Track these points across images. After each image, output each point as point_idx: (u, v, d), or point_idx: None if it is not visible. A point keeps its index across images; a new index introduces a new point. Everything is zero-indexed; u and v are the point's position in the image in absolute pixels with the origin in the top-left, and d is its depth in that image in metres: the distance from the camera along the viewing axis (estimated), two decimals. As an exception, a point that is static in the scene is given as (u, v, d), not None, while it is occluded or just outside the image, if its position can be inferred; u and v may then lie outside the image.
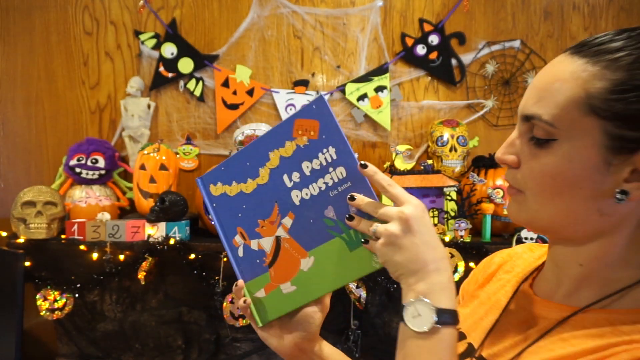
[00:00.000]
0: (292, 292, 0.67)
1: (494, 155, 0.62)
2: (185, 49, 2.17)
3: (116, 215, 1.99)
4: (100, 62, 2.20)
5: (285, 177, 0.66)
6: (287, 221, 0.67)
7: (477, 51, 2.23)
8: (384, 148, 2.25)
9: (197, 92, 2.18)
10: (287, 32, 2.21)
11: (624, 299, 0.53)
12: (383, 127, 2.22)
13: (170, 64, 2.17)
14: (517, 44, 2.23)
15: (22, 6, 2.18)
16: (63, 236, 1.83)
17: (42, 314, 1.77)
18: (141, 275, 1.72)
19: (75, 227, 1.81)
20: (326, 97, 2.20)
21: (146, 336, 1.89)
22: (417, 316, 0.55)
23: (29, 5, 2.18)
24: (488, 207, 1.83)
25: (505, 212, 1.84)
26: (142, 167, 1.96)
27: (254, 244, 0.69)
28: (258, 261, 0.69)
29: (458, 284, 0.82)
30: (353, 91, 2.20)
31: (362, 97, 2.20)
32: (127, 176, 2.20)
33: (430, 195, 1.91)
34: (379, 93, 2.20)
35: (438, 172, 1.92)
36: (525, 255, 0.73)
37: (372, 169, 0.61)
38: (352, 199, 0.61)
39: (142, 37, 2.17)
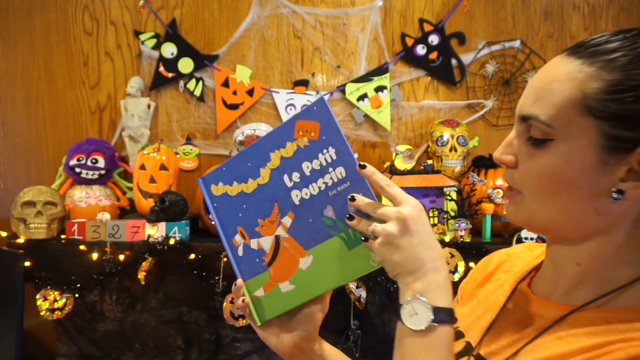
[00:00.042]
0: (290, 291, 0.67)
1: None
2: (185, 49, 2.17)
3: (116, 215, 1.99)
4: (100, 62, 2.20)
5: (286, 177, 0.67)
6: (287, 220, 0.67)
7: (477, 51, 2.23)
8: (384, 148, 2.25)
9: (197, 92, 2.18)
10: (287, 32, 2.21)
11: (621, 298, 0.54)
12: (383, 127, 2.22)
13: (170, 64, 2.17)
14: (517, 44, 2.23)
15: (22, 6, 2.18)
16: (63, 236, 1.83)
17: (42, 314, 1.77)
18: (141, 275, 1.72)
19: (75, 227, 1.81)
20: (326, 97, 2.20)
21: (146, 336, 1.89)
22: (414, 315, 0.56)
23: (29, 5, 2.18)
24: (488, 207, 1.83)
25: (505, 212, 1.84)
26: (142, 167, 1.96)
27: (253, 243, 0.70)
28: (257, 260, 0.70)
29: (458, 284, 0.83)
30: (353, 91, 2.20)
31: (362, 97, 2.20)
32: (127, 176, 2.20)
33: (430, 195, 1.91)
34: (379, 93, 2.20)
35: (438, 172, 1.92)
36: (523, 254, 0.74)
37: (370, 169, 0.62)
38: (353, 199, 0.62)
39: (142, 37, 2.17)
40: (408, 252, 0.57)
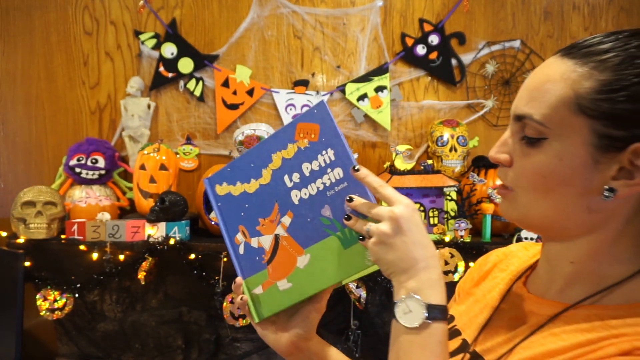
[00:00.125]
0: (288, 289, 0.68)
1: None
2: (185, 49, 2.17)
3: (116, 215, 1.99)
4: (100, 62, 2.20)
5: (286, 178, 0.69)
6: (286, 220, 0.69)
7: (477, 51, 2.23)
8: (384, 148, 2.25)
9: (197, 92, 2.18)
10: (287, 32, 2.21)
11: (614, 295, 0.55)
12: (383, 127, 2.22)
13: (170, 64, 2.17)
14: (517, 44, 2.23)
15: (22, 6, 2.18)
16: (63, 236, 1.83)
17: (42, 314, 1.77)
18: (141, 275, 1.72)
19: (75, 227, 1.81)
20: (326, 97, 2.20)
21: (146, 336, 1.89)
22: (408, 312, 0.57)
23: (29, 5, 2.18)
24: (488, 207, 1.83)
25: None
26: (142, 167, 1.96)
27: (254, 242, 0.72)
28: (257, 258, 0.71)
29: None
30: (353, 91, 2.20)
31: (362, 97, 2.20)
32: (127, 176, 2.20)
33: (430, 195, 1.91)
34: (379, 93, 2.20)
35: (438, 172, 1.92)
36: (519, 253, 0.75)
37: (363, 172, 0.63)
38: (350, 200, 0.63)
39: (142, 37, 2.17)
40: (401, 251, 0.58)
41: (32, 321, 2.05)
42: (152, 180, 1.96)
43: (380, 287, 1.79)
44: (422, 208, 1.91)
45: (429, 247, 0.60)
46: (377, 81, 2.20)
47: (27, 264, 1.77)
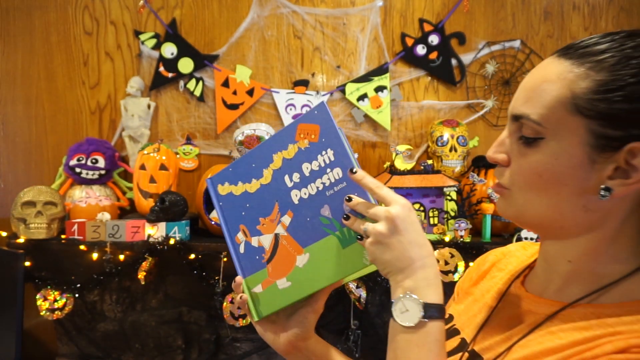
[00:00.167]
0: (287, 288, 0.69)
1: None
2: (185, 49, 2.17)
3: (116, 215, 2.00)
4: (100, 62, 2.20)
5: (287, 178, 0.69)
6: (286, 219, 0.70)
7: (477, 51, 2.23)
8: (384, 148, 2.25)
9: (197, 92, 2.18)
10: (287, 32, 2.21)
11: (611, 293, 0.55)
12: (383, 127, 2.22)
13: (170, 64, 2.17)
14: (517, 44, 2.23)
15: (22, 6, 2.18)
16: (63, 236, 1.83)
17: (42, 314, 1.77)
18: (141, 275, 1.72)
19: (75, 227, 1.81)
20: (326, 97, 2.20)
21: (146, 336, 1.89)
22: (405, 311, 0.58)
23: (29, 5, 2.18)
24: (488, 207, 1.83)
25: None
26: (142, 167, 1.96)
27: (254, 241, 0.72)
28: (257, 257, 0.72)
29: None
30: (353, 91, 2.20)
31: (362, 97, 2.20)
32: (127, 176, 2.20)
33: (430, 195, 1.91)
34: (379, 93, 2.20)
35: (438, 172, 1.92)
36: (518, 253, 0.76)
37: (360, 174, 0.63)
38: (349, 199, 0.64)
39: (142, 37, 2.17)
40: (397, 250, 0.59)
41: (32, 321, 2.05)
42: (152, 180, 1.96)
43: (380, 287, 1.79)
44: (422, 208, 1.91)
45: (425, 247, 0.61)
46: (377, 81, 2.20)
47: (27, 264, 1.77)
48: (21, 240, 1.80)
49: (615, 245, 0.57)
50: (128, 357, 1.91)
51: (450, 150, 2.07)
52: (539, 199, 0.57)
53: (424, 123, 2.25)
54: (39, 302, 1.77)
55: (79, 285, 1.80)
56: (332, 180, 0.66)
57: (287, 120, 2.19)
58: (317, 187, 0.67)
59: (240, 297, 0.72)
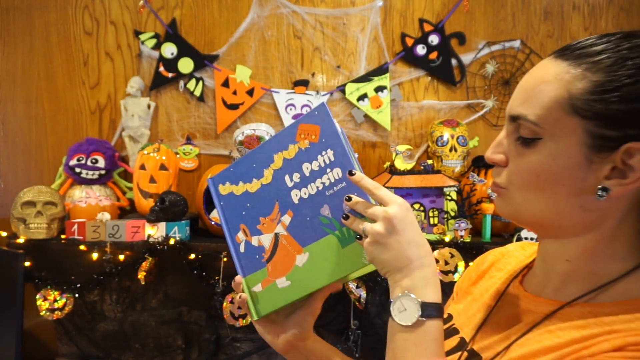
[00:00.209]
0: (286, 287, 0.70)
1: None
2: (185, 49, 2.17)
3: (116, 215, 1.99)
4: (100, 62, 2.20)
5: (287, 178, 0.70)
6: (286, 219, 0.70)
7: (477, 51, 2.23)
8: (384, 148, 2.25)
9: (197, 92, 2.18)
10: (287, 32, 2.21)
11: (608, 292, 0.56)
12: (383, 127, 2.22)
13: (170, 64, 2.17)
14: (517, 44, 2.23)
15: (22, 6, 2.18)
16: (63, 236, 1.83)
17: (42, 314, 1.77)
18: (141, 275, 1.72)
19: (75, 227, 1.81)
20: (326, 97, 2.20)
21: (146, 336, 1.89)
22: (403, 310, 0.58)
23: (29, 5, 2.18)
24: (488, 207, 1.83)
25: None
26: (142, 167, 1.96)
27: (254, 240, 0.73)
28: (257, 257, 0.73)
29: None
30: (353, 91, 2.20)
31: (362, 97, 2.20)
32: (127, 176, 2.20)
33: (430, 195, 1.91)
34: (379, 93, 2.20)
35: (438, 172, 1.92)
36: (516, 253, 0.77)
37: (358, 175, 0.64)
38: (349, 199, 0.65)
39: (142, 37, 2.17)
40: (395, 250, 0.60)
41: (32, 321, 2.05)
42: (152, 180, 1.96)
43: (380, 287, 1.79)
44: (422, 208, 1.91)
45: (423, 246, 0.61)
46: (377, 81, 2.20)
47: (27, 264, 1.77)
48: (21, 240, 1.80)
49: (613, 244, 0.57)
50: (128, 357, 1.91)
51: (450, 150, 2.07)
52: (537, 199, 0.58)
53: (424, 123, 2.25)
54: (39, 302, 1.77)
55: (79, 285, 1.80)
56: (332, 180, 0.67)
57: (287, 120, 2.19)
58: (317, 187, 0.68)
59: (240, 297, 0.72)
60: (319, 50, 2.22)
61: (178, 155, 2.18)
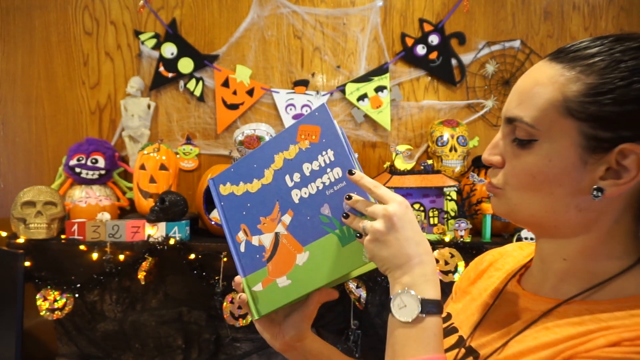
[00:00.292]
0: (287, 286, 0.70)
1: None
2: (185, 49, 2.17)
3: (116, 215, 2.00)
4: (100, 62, 2.20)
5: (287, 178, 0.71)
6: (287, 218, 0.71)
7: (477, 51, 2.23)
8: (384, 148, 2.25)
9: (197, 92, 2.18)
10: (287, 32, 2.21)
11: (604, 291, 0.57)
12: (383, 127, 2.22)
13: (170, 64, 2.17)
14: (517, 44, 2.23)
15: (22, 6, 2.18)
16: (63, 236, 1.83)
17: (42, 314, 1.77)
18: (141, 275, 1.72)
19: (75, 227, 1.81)
20: (326, 97, 2.20)
21: (146, 336, 1.89)
22: (403, 307, 0.59)
23: (29, 5, 2.18)
24: (488, 207, 1.83)
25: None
26: (142, 167, 1.96)
27: (255, 240, 0.74)
28: (258, 256, 0.73)
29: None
30: (353, 91, 2.20)
31: (362, 97, 2.20)
32: (127, 176, 2.20)
33: (430, 195, 1.91)
34: (379, 93, 2.20)
35: (438, 172, 1.92)
36: (515, 253, 0.78)
37: (358, 175, 0.65)
38: (349, 198, 0.65)
39: (142, 37, 2.17)
40: (395, 247, 0.60)
41: (32, 321, 2.05)
42: (152, 180, 1.96)
43: (380, 287, 1.79)
44: (422, 208, 1.91)
45: (422, 244, 0.62)
46: (377, 81, 2.20)
47: (27, 264, 1.77)
48: (21, 240, 1.80)
49: (608, 243, 0.58)
50: (128, 357, 1.91)
51: (450, 150, 2.07)
52: (533, 199, 0.59)
53: (424, 123, 2.25)
54: (39, 302, 1.77)
55: (79, 285, 1.80)
56: (332, 180, 0.68)
57: (287, 120, 2.19)
58: (317, 187, 0.68)
59: (240, 297, 0.73)
60: (319, 50, 2.22)
61: (178, 155, 2.18)
